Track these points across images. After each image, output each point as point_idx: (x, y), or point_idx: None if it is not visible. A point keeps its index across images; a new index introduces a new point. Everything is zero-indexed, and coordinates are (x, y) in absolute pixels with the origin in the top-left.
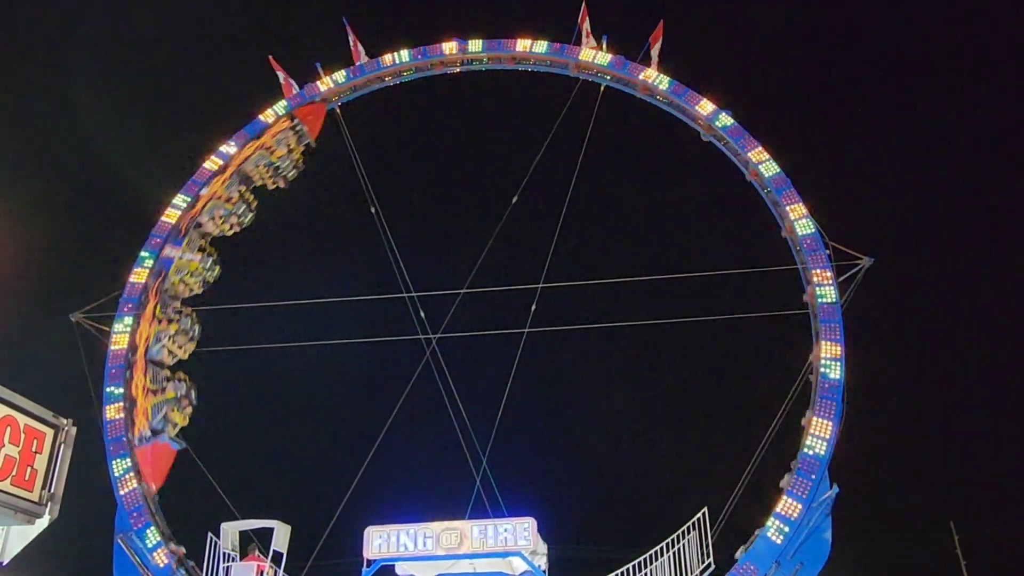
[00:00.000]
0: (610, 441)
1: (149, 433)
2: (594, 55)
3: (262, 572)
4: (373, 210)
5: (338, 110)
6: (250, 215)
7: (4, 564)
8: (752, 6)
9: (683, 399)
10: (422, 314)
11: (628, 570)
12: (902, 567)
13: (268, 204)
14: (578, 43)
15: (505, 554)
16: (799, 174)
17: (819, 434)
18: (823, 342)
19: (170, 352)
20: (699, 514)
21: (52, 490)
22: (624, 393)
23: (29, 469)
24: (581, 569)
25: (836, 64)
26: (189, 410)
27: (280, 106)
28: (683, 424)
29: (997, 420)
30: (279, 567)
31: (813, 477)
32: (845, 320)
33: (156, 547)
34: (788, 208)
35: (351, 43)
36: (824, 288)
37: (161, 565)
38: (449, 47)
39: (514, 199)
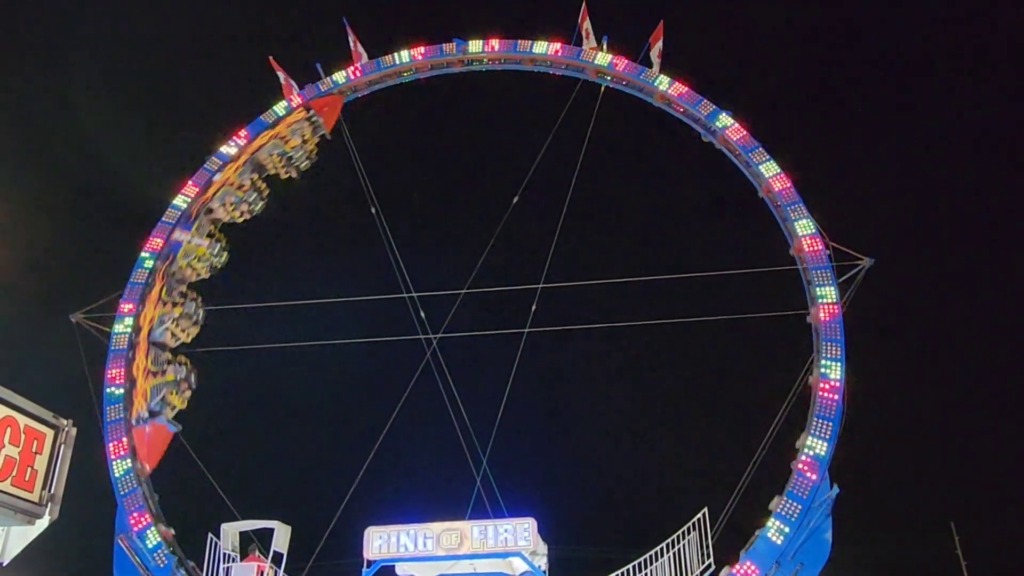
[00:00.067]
0: (610, 441)
1: (147, 414)
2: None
3: (262, 573)
4: (373, 210)
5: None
6: (261, 203)
7: (4, 565)
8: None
9: (683, 399)
10: (422, 314)
11: (628, 570)
12: (902, 567)
13: (268, 204)
14: (578, 43)
15: (505, 554)
16: (799, 174)
17: (820, 434)
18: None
19: (173, 335)
20: (699, 514)
21: (52, 491)
22: (624, 393)
23: (29, 470)
24: (581, 569)
25: (836, 64)
26: (188, 394)
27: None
28: (683, 424)
29: (997, 420)
30: (279, 568)
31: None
32: (845, 321)
33: (156, 548)
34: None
35: (351, 43)
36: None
37: (161, 565)
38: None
39: (515, 199)
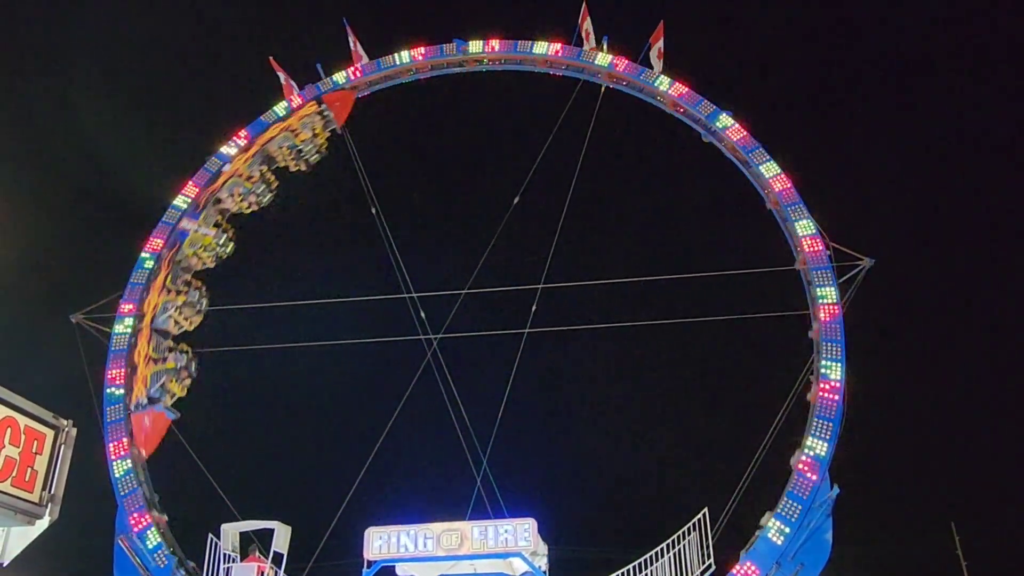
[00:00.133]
0: (610, 441)
1: (146, 400)
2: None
3: (262, 573)
4: (374, 210)
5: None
6: (269, 195)
7: (4, 565)
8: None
9: (683, 399)
10: (423, 314)
11: (629, 571)
12: (903, 568)
13: (269, 204)
14: (578, 44)
15: (505, 555)
16: (799, 174)
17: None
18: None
19: (176, 323)
20: (700, 515)
21: (52, 491)
22: (624, 393)
23: (29, 470)
24: (581, 570)
25: (836, 64)
26: (188, 382)
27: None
28: (683, 424)
29: (997, 420)
30: (279, 568)
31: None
32: (845, 321)
33: (156, 548)
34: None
35: (351, 44)
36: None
37: (162, 566)
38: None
39: (515, 200)
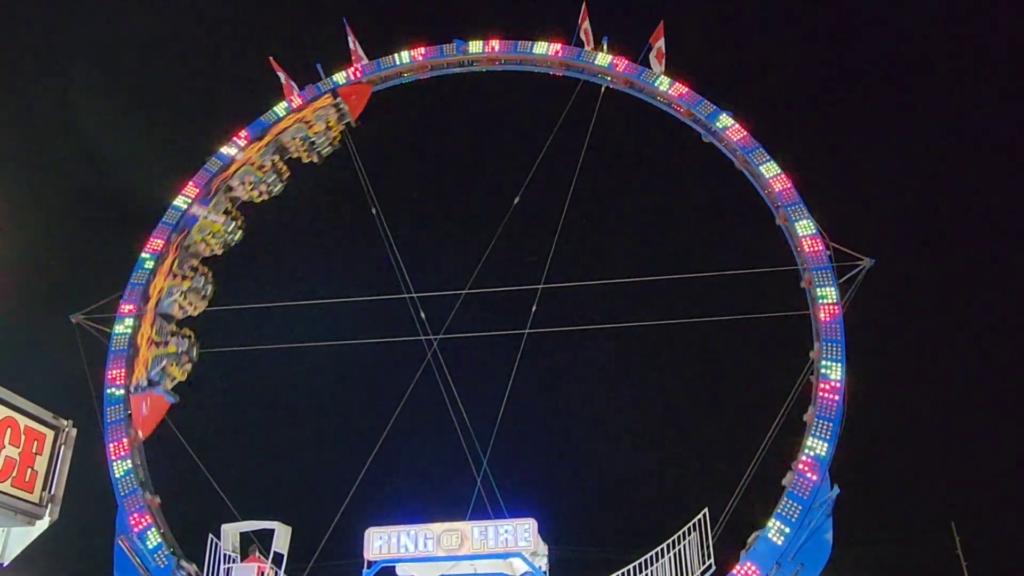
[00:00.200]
0: (610, 442)
1: (146, 383)
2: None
3: (263, 573)
4: (374, 210)
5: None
6: (280, 185)
7: (5, 565)
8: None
9: (683, 399)
10: (423, 315)
11: (629, 571)
12: (903, 568)
13: (269, 204)
14: (578, 44)
15: (506, 555)
16: (799, 174)
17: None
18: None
19: (180, 307)
20: (700, 515)
21: (52, 491)
22: (624, 393)
23: (29, 470)
24: (582, 570)
25: (836, 64)
26: (188, 367)
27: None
28: (683, 424)
29: (997, 420)
30: (280, 568)
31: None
32: (845, 321)
33: (156, 549)
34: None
35: (351, 44)
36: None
37: (162, 566)
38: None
39: (516, 200)
